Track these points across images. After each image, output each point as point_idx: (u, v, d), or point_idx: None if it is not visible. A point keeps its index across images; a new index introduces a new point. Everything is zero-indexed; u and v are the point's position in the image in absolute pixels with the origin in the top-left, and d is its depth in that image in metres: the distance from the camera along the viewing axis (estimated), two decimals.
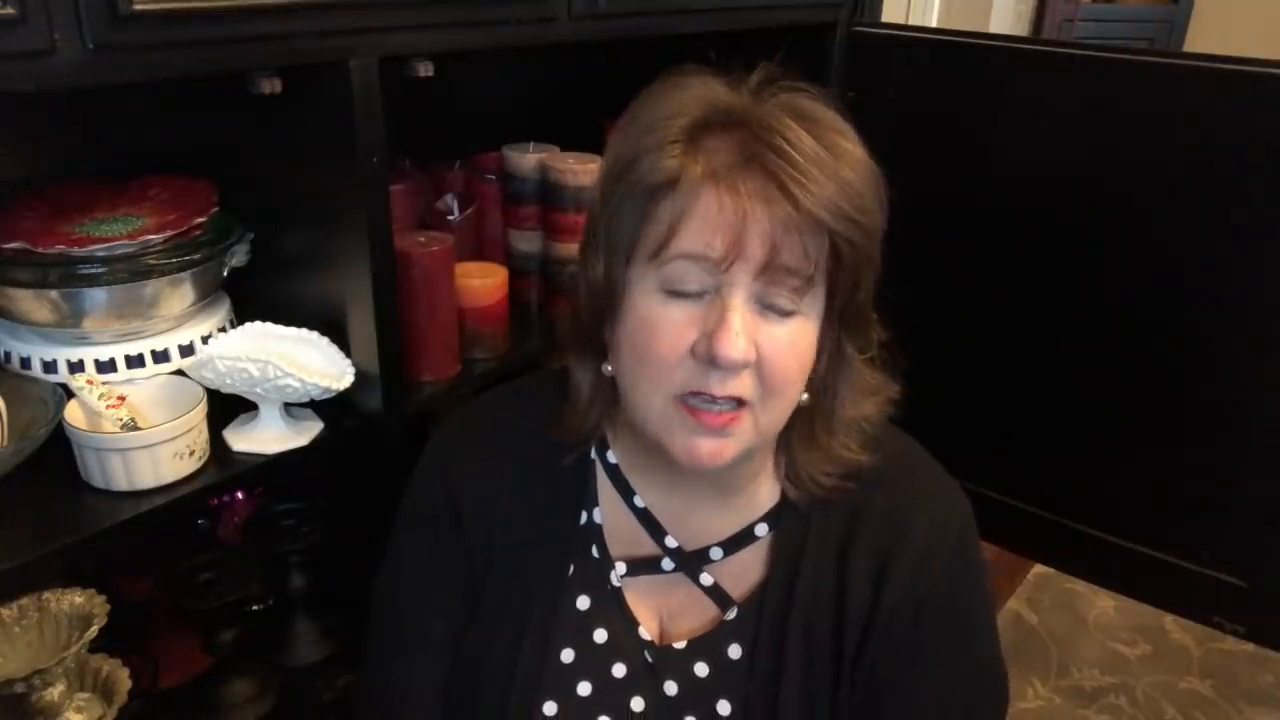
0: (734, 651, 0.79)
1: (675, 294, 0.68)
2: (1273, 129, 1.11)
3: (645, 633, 0.81)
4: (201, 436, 0.95)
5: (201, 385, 0.98)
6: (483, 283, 1.21)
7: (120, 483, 0.90)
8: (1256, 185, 1.14)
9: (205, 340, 1.04)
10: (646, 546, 0.82)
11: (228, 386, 0.99)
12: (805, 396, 0.74)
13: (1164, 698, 2.15)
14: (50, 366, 0.99)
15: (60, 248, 0.94)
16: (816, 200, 0.65)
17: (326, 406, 1.05)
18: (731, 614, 0.80)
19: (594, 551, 0.83)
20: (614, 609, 0.82)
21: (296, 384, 0.97)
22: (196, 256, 1.01)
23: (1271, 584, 1.25)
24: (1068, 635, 2.33)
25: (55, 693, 0.91)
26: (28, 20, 0.67)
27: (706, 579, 0.81)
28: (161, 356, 1.02)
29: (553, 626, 0.80)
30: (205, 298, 1.06)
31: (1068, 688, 2.18)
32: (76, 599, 0.93)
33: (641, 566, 0.82)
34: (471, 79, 1.33)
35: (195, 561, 1.12)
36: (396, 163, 1.23)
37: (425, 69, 0.97)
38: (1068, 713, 2.11)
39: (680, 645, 0.80)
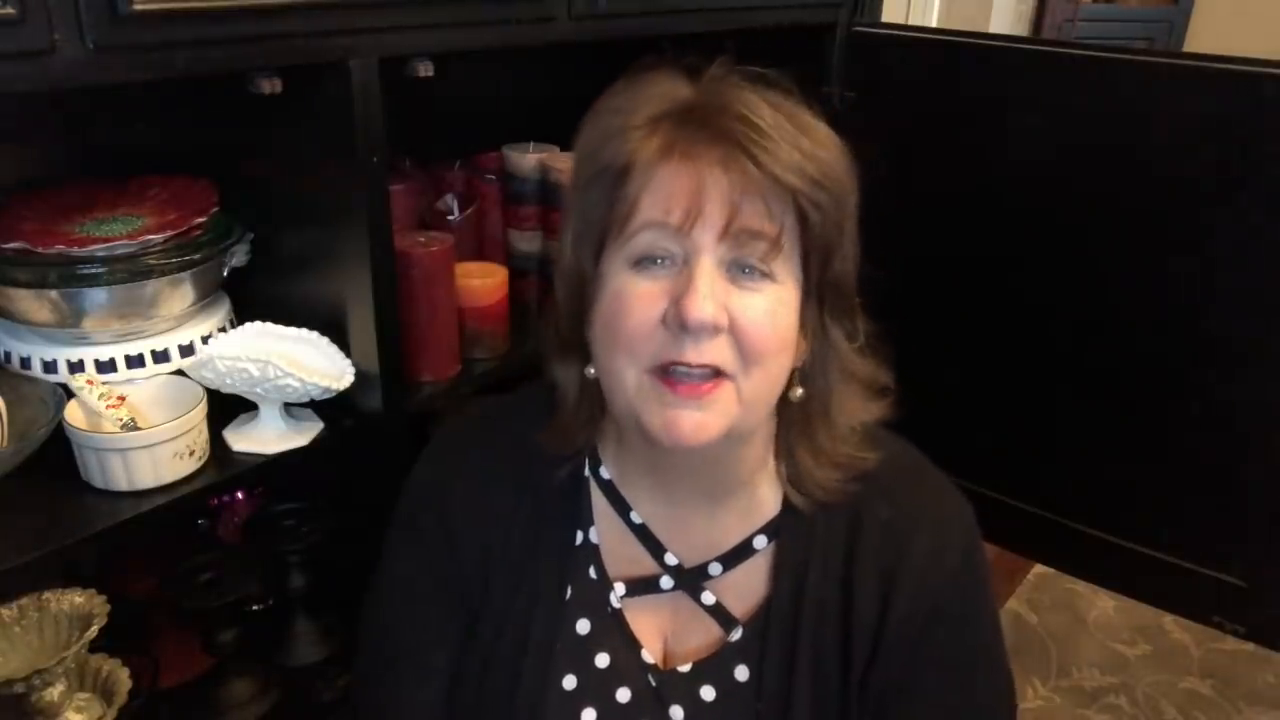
0: (741, 673, 0.78)
1: (643, 267, 0.68)
2: (1272, 129, 1.11)
3: (649, 656, 0.79)
4: (201, 436, 0.95)
5: (201, 385, 0.98)
6: (483, 283, 1.21)
7: (120, 483, 0.90)
8: (1257, 185, 1.14)
9: (205, 340, 1.04)
10: (645, 565, 0.81)
11: (228, 386, 0.99)
12: (799, 391, 0.74)
13: (1164, 698, 2.15)
14: (50, 366, 0.99)
15: (60, 248, 0.94)
16: (775, 160, 0.66)
17: (326, 406, 1.05)
18: (736, 634, 0.78)
19: (591, 573, 0.81)
20: (615, 632, 0.80)
21: (296, 384, 0.97)
22: (196, 256, 1.01)
23: (1271, 584, 1.25)
24: (1068, 635, 2.33)
25: (55, 693, 0.91)
26: (28, 20, 0.67)
27: (708, 597, 0.80)
28: (161, 356, 1.02)
29: (553, 652, 0.79)
30: (205, 298, 1.06)
31: (1068, 688, 2.18)
32: (76, 599, 0.93)
33: (640, 586, 0.81)
34: (471, 79, 1.33)
35: (195, 561, 1.12)
36: (396, 163, 1.23)
37: (425, 69, 0.97)
38: (1068, 713, 2.11)
39: (685, 668, 0.79)
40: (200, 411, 0.94)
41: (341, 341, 1.04)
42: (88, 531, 0.86)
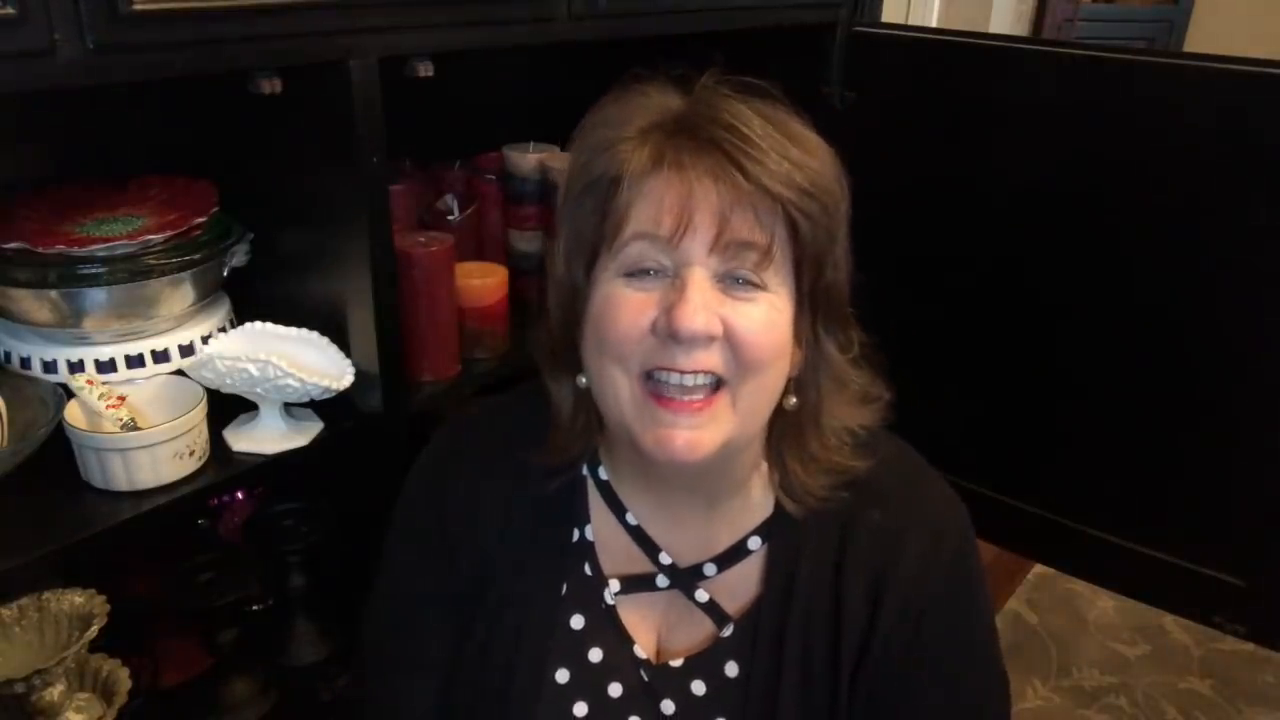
0: (731, 669, 0.78)
1: (634, 279, 0.69)
2: (1272, 129, 1.11)
3: (641, 651, 0.80)
4: (201, 436, 0.95)
5: (201, 385, 0.98)
6: (483, 283, 1.21)
7: (120, 483, 0.90)
8: (1257, 185, 1.14)
9: (205, 340, 1.04)
10: (640, 564, 0.81)
11: (228, 386, 0.99)
12: (793, 400, 0.74)
13: (1164, 698, 2.15)
14: (50, 366, 0.99)
15: (60, 248, 0.94)
16: (765, 171, 0.66)
17: (326, 406, 1.04)
18: (728, 631, 0.79)
19: (586, 569, 0.82)
20: (609, 628, 0.81)
21: (296, 384, 0.97)
22: (196, 256, 1.01)
23: (1271, 584, 1.25)
24: (1068, 635, 2.33)
25: (55, 693, 0.91)
26: (28, 20, 0.67)
27: (702, 595, 0.80)
28: (161, 356, 1.02)
29: (547, 647, 0.79)
30: (205, 298, 1.06)
31: (1068, 688, 2.18)
32: (76, 599, 0.93)
33: (635, 584, 0.81)
34: (471, 79, 1.33)
35: (195, 561, 1.13)
36: (396, 163, 1.23)
37: (425, 69, 0.97)
38: (1068, 713, 2.11)
39: (677, 663, 0.79)
40: (200, 411, 0.94)
41: (341, 341, 1.04)
42: (88, 531, 0.86)
